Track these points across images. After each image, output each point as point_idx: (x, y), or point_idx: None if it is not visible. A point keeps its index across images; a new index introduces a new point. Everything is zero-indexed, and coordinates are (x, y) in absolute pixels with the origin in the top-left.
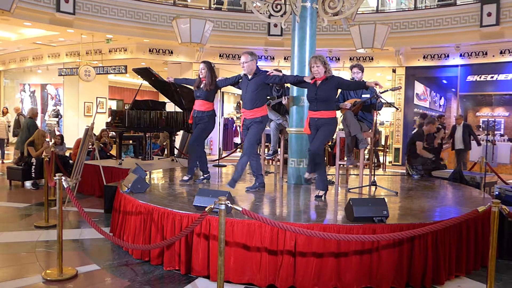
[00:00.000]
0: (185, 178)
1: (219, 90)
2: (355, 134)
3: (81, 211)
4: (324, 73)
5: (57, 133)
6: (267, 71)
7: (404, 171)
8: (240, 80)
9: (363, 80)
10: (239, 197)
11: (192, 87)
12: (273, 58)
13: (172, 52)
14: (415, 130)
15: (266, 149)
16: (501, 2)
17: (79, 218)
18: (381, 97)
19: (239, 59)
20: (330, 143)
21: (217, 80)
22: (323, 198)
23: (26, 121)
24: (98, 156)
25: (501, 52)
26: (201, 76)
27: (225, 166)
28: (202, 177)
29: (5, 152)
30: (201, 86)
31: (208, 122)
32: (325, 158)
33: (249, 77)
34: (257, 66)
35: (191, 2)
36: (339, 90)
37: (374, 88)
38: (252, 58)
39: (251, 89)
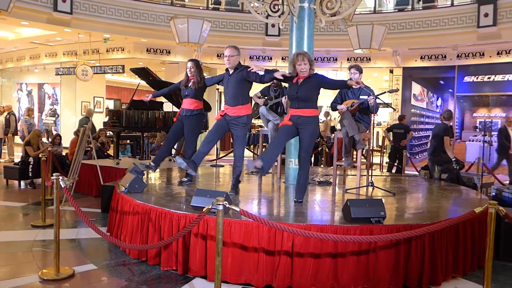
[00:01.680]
0: (184, 179)
1: (216, 91)
2: (352, 135)
3: (78, 210)
4: (308, 71)
5: (54, 132)
6: (249, 67)
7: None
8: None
9: (344, 80)
10: (236, 197)
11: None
12: (271, 59)
13: (169, 52)
14: (439, 124)
15: (263, 149)
16: (498, 2)
17: (76, 218)
18: (379, 98)
19: None
20: (328, 144)
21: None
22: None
23: (81, 120)
24: (95, 156)
25: (498, 53)
26: (189, 75)
27: (222, 166)
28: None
29: (2, 151)
30: (189, 85)
31: (196, 122)
32: (323, 159)
33: (230, 72)
34: (239, 61)
35: (189, 2)
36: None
37: (372, 89)
38: (237, 53)
39: (232, 84)
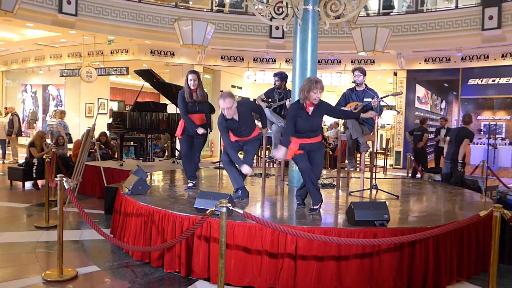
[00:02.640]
0: (190, 184)
1: (220, 92)
2: (356, 137)
3: (82, 212)
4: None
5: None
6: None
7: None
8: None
9: (356, 111)
10: (240, 200)
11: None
12: (275, 61)
13: (173, 54)
14: (461, 128)
15: (267, 152)
16: (502, 5)
17: (79, 219)
18: (383, 100)
19: (241, 62)
20: (331, 146)
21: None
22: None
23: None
24: (99, 157)
25: (502, 56)
26: (192, 87)
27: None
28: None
29: (6, 152)
30: (195, 99)
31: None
32: (326, 161)
33: (235, 118)
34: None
35: (193, 4)
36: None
37: (375, 91)
38: (234, 100)
39: (242, 122)
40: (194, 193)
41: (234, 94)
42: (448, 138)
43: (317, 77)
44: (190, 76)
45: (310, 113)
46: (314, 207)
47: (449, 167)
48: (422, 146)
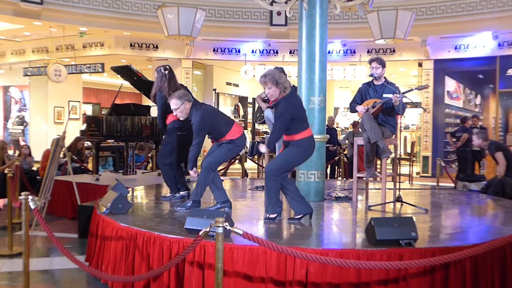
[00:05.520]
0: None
1: (213, 91)
2: (375, 141)
3: (51, 236)
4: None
5: (22, 143)
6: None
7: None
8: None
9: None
10: (239, 218)
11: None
12: (277, 52)
13: (157, 47)
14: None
15: (270, 160)
16: None
17: (48, 245)
18: (406, 96)
19: (237, 54)
20: (346, 152)
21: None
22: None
23: None
24: (71, 171)
25: None
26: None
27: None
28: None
29: None
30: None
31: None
32: (341, 170)
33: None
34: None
35: None
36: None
37: (397, 86)
38: (182, 101)
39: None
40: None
41: (232, 91)
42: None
43: (267, 71)
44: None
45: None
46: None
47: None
48: (464, 149)
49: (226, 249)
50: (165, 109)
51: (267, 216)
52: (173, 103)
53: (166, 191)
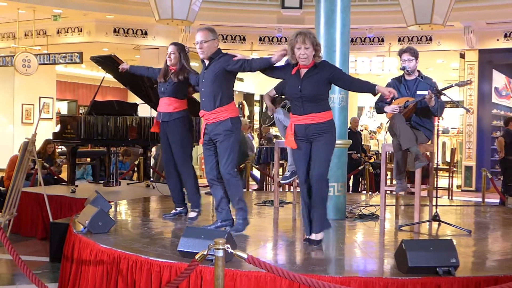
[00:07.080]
0: (192, 215)
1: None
2: (407, 147)
3: (17, 259)
4: (312, 58)
5: None
6: (233, 55)
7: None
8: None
9: (370, 83)
10: (242, 238)
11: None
12: None
13: (146, 34)
14: None
15: (281, 170)
16: None
17: (13, 270)
18: (445, 94)
19: (242, 43)
20: (372, 160)
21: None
22: (321, 244)
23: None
24: (41, 181)
25: None
26: (169, 64)
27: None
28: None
29: None
30: (169, 78)
31: (178, 129)
32: (365, 182)
33: (206, 63)
34: (218, 48)
35: None
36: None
37: (434, 81)
38: (213, 37)
39: (208, 80)
40: (178, 229)
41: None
42: None
43: (306, 29)
44: (169, 49)
45: (301, 76)
46: (317, 238)
47: None
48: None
49: (227, 276)
50: None
51: (311, 238)
52: (202, 35)
53: (156, 206)
